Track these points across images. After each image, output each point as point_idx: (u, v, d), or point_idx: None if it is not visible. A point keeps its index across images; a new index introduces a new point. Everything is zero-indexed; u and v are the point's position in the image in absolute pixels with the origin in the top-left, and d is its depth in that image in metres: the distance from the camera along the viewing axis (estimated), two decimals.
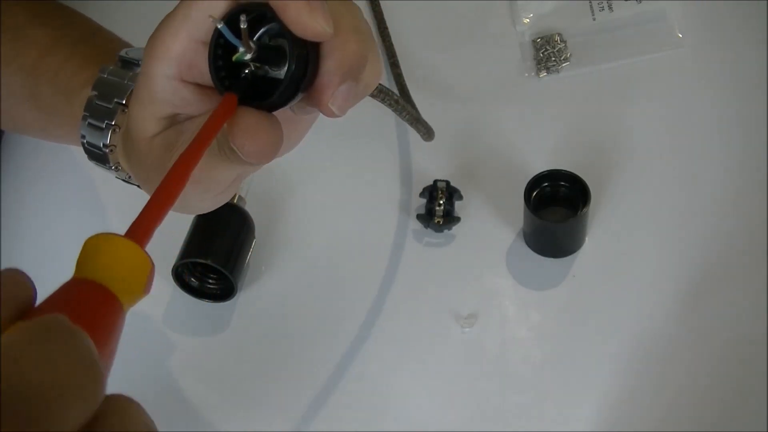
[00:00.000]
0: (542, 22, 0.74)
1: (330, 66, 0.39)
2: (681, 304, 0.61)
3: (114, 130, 0.52)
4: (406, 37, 0.75)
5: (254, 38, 0.39)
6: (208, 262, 0.62)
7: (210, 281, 0.65)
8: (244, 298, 0.65)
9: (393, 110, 0.53)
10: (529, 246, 0.64)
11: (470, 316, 0.62)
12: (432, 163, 0.68)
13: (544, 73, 0.72)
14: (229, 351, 0.64)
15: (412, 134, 0.70)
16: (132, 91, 0.51)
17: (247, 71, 0.39)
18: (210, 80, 0.40)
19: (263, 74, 0.40)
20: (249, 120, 0.39)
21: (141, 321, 0.64)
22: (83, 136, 0.54)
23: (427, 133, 0.63)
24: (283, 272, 0.66)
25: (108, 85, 0.53)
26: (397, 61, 0.73)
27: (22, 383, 0.24)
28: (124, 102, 0.52)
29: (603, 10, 0.73)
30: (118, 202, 0.69)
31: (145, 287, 0.31)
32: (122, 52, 0.55)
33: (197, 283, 0.64)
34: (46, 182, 0.72)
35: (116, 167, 0.54)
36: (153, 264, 0.31)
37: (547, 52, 0.72)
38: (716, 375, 0.58)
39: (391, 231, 0.66)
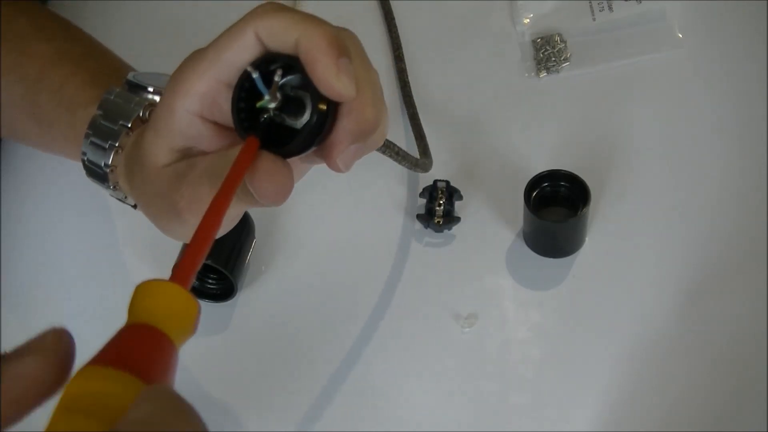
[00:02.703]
0: (542, 22, 0.74)
1: (345, 126, 0.41)
2: (681, 303, 0.61)
3: (117, 152, 0.53)
4: (405, 37, 0.75)
5: (277, 79, 0.41)
6: (209, 262, 0.62)
7: (210, 281, 0.65)
8: (244, 298, 0.65)
9: (394, 160, 0.55)
10: (529, 246, 0.64)
11: (470, 316, 0.62)
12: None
13: (544, 73, 0.72)
14: (229, 351, 0.64)
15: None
16: (137, 116, 0.53)
17: (265, 116, 0.41)
18: (227, 120, 0.42)
19: (279, 121, 0.41)
20: (268, 164, 0.40)
21: None
22: (84, 153, 0.55)
23: (424, 168, 0.63)
24: (283, 272, 0.66)
25: (114, 106, 0.54)
26: (402, 54, 0.73)
27: None
28: (129, 126, 0.53)
29: (603, 10, 0.73)
30: (119, 203, 0.69)
31: (194, 328, 0.34)
32: (130, 76, 0.56)
33: (197, 283, 0.64)
34: (47, 183, 0.71)
35: (114, 186, 0.55)
36: (200, 306, 0.34)
37: (547, 52, 0.72)
38: (716, 375, 0.58)
39: (391, 231, 0.66)
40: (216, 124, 0.45)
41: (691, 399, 0.58)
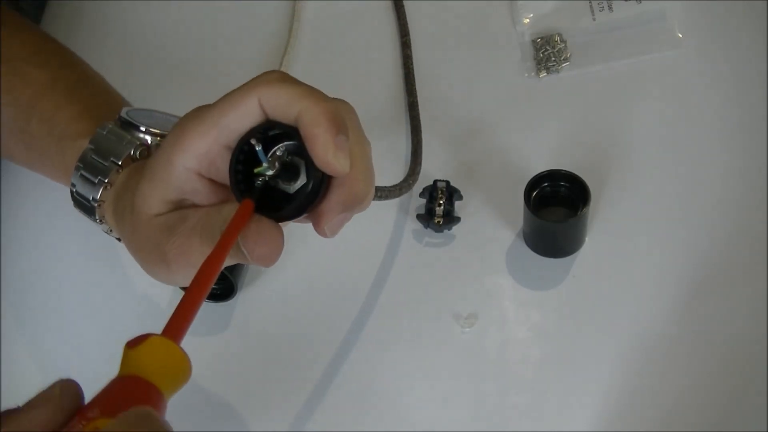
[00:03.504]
0: (542, 22, 0.74)
1: (336, 198, 0.44)
2: (681, 303, 0.61)
3: (105, 187, 0.55)
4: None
5: (278, 151, 0.44)
6: None
7: None
8: (244, 298, 0.65)
9: (379, 201, 0.57)
10: (529, 246, 0.64)
11: (470, 316, 0.62)
12: (432, 163, 0.68)
13: (544, 73, 0.72)
14: (229, 351, 0.64)
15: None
16: (128, 154, 0.54)
17: (260, 179, 0.44)
18: (223, 178, 0.45)
19: (273, 184, 0.44)
20: (261, 229, 0.43)
21: (141, 321, 0.64)
22: (73, 185, 0.56)
23: (409, 187, 0.64)
24: (283, 272, 0.66)
25: (106, 142, 0.55)
26: (409, 41, 0.73)
27: None
28: (120, 163, 0.54)
29: (603, 10, 0.73)
30: None
31: (183, 381, 0.36)
32: (123, 113, 0.57)
33: None
34: (47, 184, 0.71)
35: (100, 220, 0.56)
36: (190, 361, 0.36)
37: (547, 52, 0.72)
38: (716, 375, 0.58)
39: (391, 231, 0.66)
40: (211, 181, 0.47)
41: (691, 399, 0.58)
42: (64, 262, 0.68)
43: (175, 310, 0.37)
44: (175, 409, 0.62)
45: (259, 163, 0.44)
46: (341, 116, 0.43)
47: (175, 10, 0.80)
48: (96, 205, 0.55)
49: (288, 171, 0.44)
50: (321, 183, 0.44)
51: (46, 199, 0.70)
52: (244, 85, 0.45)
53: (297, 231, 0.67)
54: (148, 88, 0.72)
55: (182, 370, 0.36)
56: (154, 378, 0.35)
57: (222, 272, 0.62)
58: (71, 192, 0.56)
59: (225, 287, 0.64)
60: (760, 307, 0.60)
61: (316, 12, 0.78)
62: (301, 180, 0.44)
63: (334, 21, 0.77)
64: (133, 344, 0.35)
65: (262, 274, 0.66)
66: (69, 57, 0.64)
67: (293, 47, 0.75)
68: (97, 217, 0.56)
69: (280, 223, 0.45)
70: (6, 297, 0.67)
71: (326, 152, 0.42)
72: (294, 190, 0.44)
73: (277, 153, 0.44)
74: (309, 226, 0.67)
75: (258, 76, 0.45)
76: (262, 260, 0.44)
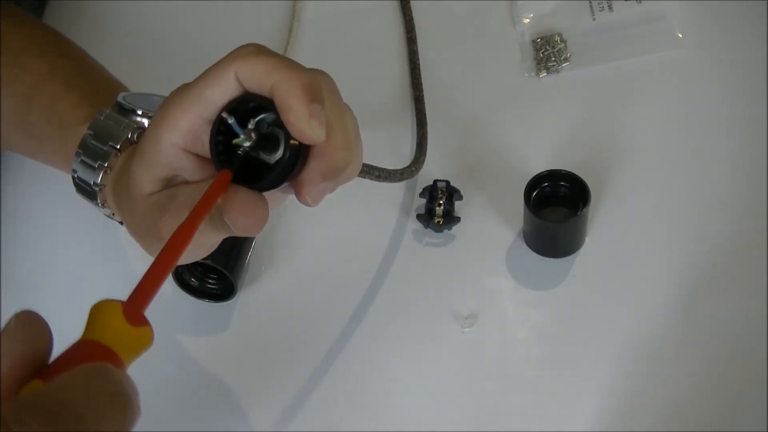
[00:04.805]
0: (542, 22, 0.74)
1: (316, 166, 0.44)
2: (681, 304, 0.61)
3: (105, 172, 0.55)
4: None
5: (252, 122, 0.44)
6: (209, 262, 0.62)
7: (210, 281, 0.65)
8: (244, 298, 0.65)
9: (376, 181, 0.56)
10: (529, 246, 0.64)
11: (470, 316, 0.62)
12: (432, 163, 0.68)
13: (544, 73, 0.72)
14: (229, 351, 0.64)
15: (412, 134, 0.70)
16: (126, 138, 0.55)
17: (241, 150, 0.44)
18: (208, 153, 0.45)
19: (254, 155, 0.44)
20: (242, 198, 0.43)
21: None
22: (75, 171, 0.57)
23: (411, 175, 0.63)
24: (283, 272, 0.66)
25: (104, 127, 0.56)
26: (415, 36, 0.74)
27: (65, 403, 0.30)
28: (118, 147, 0.55)
29: (603, 10, 0.73)
30: None
31: (144, 348, 0.36)
32: (119, 98, 0.58)
33: (197, 283, 0.64)
34: (47, 180, 0.71)
35: (102, 204, 0.57)
36: (151, 328, 0.36)
37: (547, 52, 0.72)
38: (716, 375, 0.58)
39: (391, 231, 0.66)
40: (198, 156, 0.47)
41: (691, 399, 0.58)
42: (64, 254, 0.68)
43: (142, 278, 0.37)
44: (176, 408, 0.62)
45: (239, 136, 0.44)
46: (317, 85, 0.43)
47: (175, 10, 0.80)
48: (97, 189, 0.56)
49: (269, 142, 0.44)
50: (298, 153, 0.44)
51: (46, 193, 0.71)
52: (222, 59, 0.45)
53: (297, 231, 0.67)
54: (148, 88, 0.72)
55: (143, 337, 0.36)
56: (113, 344, 0.34)
57: (222, 272, 0.62)
58: (73, 178, 0.57)
59: (225, 287, 0.64)
60: (760, 307, 0.60)
61: (317, 12, 0.78)
62: (281, 151, 0.44)
63: (334, 21, 0.77)
64: (96, 309, 0.35)
65: (262, 273, 0.66)
66: (68, 46, 0.65)
67: (293, 47, 0.75)
68: (99, 202, 0.57)
69: (264, 194, 0.45)
70: (6, 291, 0.67)
71: (300, 121, 0.42)
72: (274, 161, 0.44)
73: (253, 125, 0.44)
74: (308, 226, 0.67)
75: (234, 50, 0.45)
76: (245, 230, 0.44)
